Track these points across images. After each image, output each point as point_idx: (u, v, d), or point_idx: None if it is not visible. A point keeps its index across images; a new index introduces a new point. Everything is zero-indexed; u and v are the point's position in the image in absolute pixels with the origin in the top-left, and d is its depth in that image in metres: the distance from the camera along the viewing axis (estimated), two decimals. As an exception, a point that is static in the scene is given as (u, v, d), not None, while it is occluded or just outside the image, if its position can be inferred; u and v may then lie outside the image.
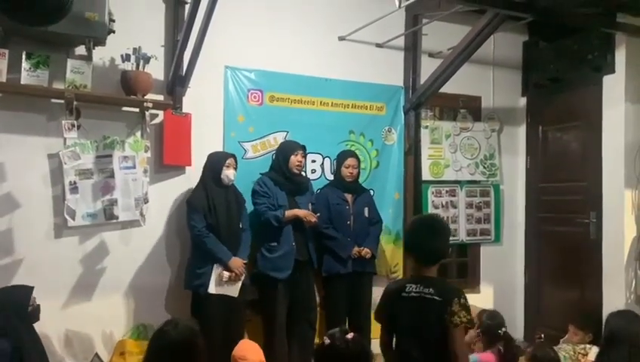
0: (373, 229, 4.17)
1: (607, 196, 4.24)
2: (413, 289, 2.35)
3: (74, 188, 3.53)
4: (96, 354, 3.60)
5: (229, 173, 3.66)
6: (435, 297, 2.30)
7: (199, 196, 3.63)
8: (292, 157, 3.85)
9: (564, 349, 4.06)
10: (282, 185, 3.84)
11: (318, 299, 4.09)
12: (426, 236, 2.43)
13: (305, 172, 4.11)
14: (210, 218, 3.58)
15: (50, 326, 3.53)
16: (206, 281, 3.54)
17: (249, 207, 3.88)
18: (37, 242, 3.53)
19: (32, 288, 3.12)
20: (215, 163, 3.69)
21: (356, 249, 3.99)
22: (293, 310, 3.85)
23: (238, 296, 3.64)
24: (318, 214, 3.90)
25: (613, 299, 4.13)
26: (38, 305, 3.15)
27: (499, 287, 5.03)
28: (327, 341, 2.22)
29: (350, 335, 2.22)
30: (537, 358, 2.76)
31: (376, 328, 4.15)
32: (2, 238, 3.45)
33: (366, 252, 4.02)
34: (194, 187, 3.75)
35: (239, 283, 3.63)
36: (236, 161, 3.76)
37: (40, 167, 3.55)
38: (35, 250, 3.52)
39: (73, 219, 3.52)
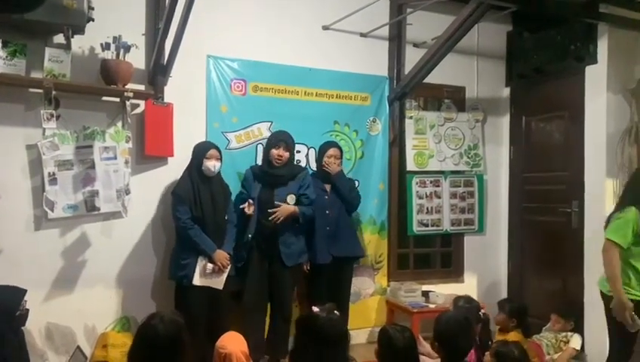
0: None
1: (589, 185, 4.28)
2: None
3: (53, 180, 3.47)
4: (78, 347, 3.57)
5: (209, 165, 3.60)
6: None
7: (185, 187, 3.59)
8: (273, 150, 3.77)
9: (545, 337, 4.12)
10: (259, 178, 3.81)
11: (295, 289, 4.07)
12: (469, 338, 2.73)
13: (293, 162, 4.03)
14: (195, 210, 3.55)
15: (30, 319, 3.44)
16: (189, 272, 3.51)
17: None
18: (16, 234, 3.48)
19: (24, 291, 3.07)
20: (197, 153, 3.65)
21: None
22: (271, 304, 3.85)
23: (223, 288, 3.62)
24: (249, 202, 3.70)
25: (594, 287, 4.16)
26: (27, 310, 3.08)
27: (482, 277, 5.07)
28: (314, 309, 2.37)
29: (336, 313, 2.38)
30: (500, 355, 2.76)
31: (355, 319, 4.21)
32: (-20, 231, 3.39)
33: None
34: (179, 177, 3.70)
35: (224, 276, 3.60)
36: (220, 152, 3.70)
37: (18, 157, 3.49)
38: (14, 243, 3.46)
39: (52, 210, 3.47)
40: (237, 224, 3.76)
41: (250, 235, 3.72)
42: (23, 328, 3.13)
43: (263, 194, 3.76)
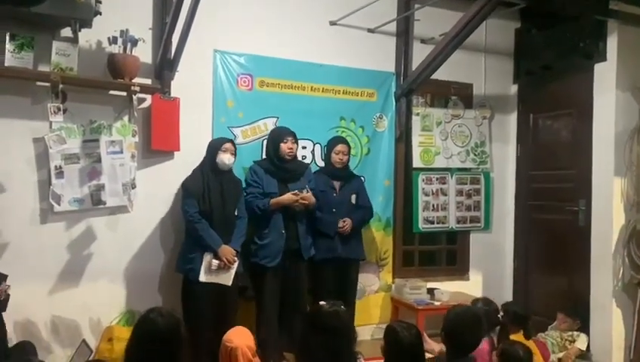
0: (359, 210, 4.10)
1: (597, 184, 4.25)
2: None
3: (59, 173, 3.47)
4: (84, 341, 3.57)
5: (223, 157, 3.60)
6: None
7: (194, 179, 3.59)
8: (282, 144, 3.79)
9: (551, 336, 4.11)
10: (273, 173, 3.80)
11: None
12: (476, 333, 2.68)
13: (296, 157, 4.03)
14: (203, 203, 3.53)
15: (36, 312, 3.51)
16: (196, 266, 3.50)
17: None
18: (22, 227, 3.48)
19: (4, 276, 3.04)
20: (212, 147, 3.65)
21: (341, 222, 3.93)
22: (283, 298, 3.81)
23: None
24: (308, 193, 3.77)
25: (601, 286, 4.17)
26: (8, 295, 3.04)
27: (488, 275, 5.05)
28: (321, 303, 2.41)
29: (342, 307, 2.42)
30: (506, 355, 2.77)
31: (359, 315, 4.20)
32: (-14, 223, 3.40)
33: (346, 221, 3.92)
34: (191, 171, 3.69)
35: (232, 271, 3.57)
36: (235, 147, 3.71)
37: (25, 151, 3.49)
38: (21, 236, 3.47)
39: (59, 204, 3.47)
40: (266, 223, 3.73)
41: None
42: (27, 319, 3.13)
43: (280, 190, 3.77)
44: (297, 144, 3.90)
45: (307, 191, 3.78)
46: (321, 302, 2.47)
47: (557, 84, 4.71)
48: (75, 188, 3.56)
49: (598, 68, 4.25)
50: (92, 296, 3.66)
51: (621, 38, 4.11)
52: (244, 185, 3.81)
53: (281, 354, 3.81)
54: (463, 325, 2.62)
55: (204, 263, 3.50)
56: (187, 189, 3.58)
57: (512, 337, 3.19)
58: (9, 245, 3.45)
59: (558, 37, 4.60)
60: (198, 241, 3.51)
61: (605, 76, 4.19)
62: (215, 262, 3.50)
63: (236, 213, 3.68)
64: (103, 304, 3.70)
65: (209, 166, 3.62)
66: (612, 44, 4.15)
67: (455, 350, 2.60)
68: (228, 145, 3.65)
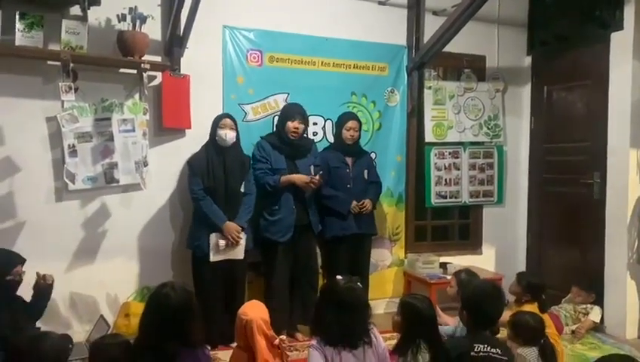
0: (372, 186, 4.11)
1: (612, 156, 4.19)
2: (482, 349, 2.43)
3: (73, 152, 3.50)
4: (102, 316, 3.64)
5: (221, 133, 3.59)
6: (503, 357, 2.42)
7: (199, 158, 3.61)
8: (288, 123, 3.77)
9: (564, 308, 4.11)
10: (281, 148, 3.79)
11: (319, 261, 4.09)
12: (498, 305, 2.63)
13: (306, 134, 4.02)
14: (207, 180, 3.55)
15: (54, 289, 3.55)
16: (201, 243, 3.54)
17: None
18: (38, 206, 3.53)
19: (21, 259, 3.08)
20: (213, 123, 3.66)
21: (355, 203, 3.94)
22: (294, 273, 3.85)
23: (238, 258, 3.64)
24: (321, 173, 3.80)
25: (616, 259, 4.14)
26: (21, 279, 3.07)
27: (501, 249, 5.05)
28: (337, 278, 2.47)
29: (359, 284, 2.49)
30: (516, 325, 2.78)
31: (372, 289, 4.22)
32: (3, 202, 3.45)
33: (365, 203, 3.96)
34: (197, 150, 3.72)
35: (241, 246, 3.60)
36: (234, 122, 3.69)
37: (38, 130, 3.52)
38: (37, 214, 3.52)
39: (73, 182, 3.51)
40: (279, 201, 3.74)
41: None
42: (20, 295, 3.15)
43: (288, 166, 3.77)
44: (306, 125, 3.88)
45: (318, 177, 3.76)
46: (338, 277, 2.50)
47: (572, 55, 4.62)
48: (88, 166, 3.60)
49: (615, 37, 4.15)
50: (108, 272, 3.73)
51: (638, 5, 4.00)
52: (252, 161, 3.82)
53: (295, 328, 3.86)
54: (484, 297, 2.59)
55: (211, 244, 3.53)
56: (191, 167, 3.61)
57: (525, 309, 3.19)
58: (26, 223, 3.51)
59: (573, 5, 4.49)
60: (204, 218, 3.54)
61: (622, 45, 4.09)
62: (222, 241, 3.52)
63: (243, 190, 3.68)
64: (119, 280, 3.76)
65: (211, 142, 3.64)
66: (629, 12, 4.03)
67: (475, 323, 2.57)
68: (226, 120, 3.64)
